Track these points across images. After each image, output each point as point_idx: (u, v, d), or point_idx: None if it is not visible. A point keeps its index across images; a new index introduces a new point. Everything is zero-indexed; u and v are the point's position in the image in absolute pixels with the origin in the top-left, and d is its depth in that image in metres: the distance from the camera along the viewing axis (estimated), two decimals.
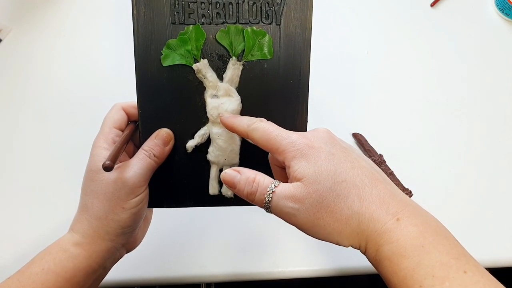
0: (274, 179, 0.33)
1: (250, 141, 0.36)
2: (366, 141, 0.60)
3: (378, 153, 0.59)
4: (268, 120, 0.35)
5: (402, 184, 0.58)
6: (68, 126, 0.60)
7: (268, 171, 0.35)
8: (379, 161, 0.58)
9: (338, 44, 0.65)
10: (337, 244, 0.32)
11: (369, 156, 0.59)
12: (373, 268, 0.53)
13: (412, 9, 0.67)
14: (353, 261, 0.54)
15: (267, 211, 0.33)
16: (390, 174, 0.58)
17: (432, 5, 0.67)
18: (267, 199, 0.32)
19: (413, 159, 0.60)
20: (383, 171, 0.57)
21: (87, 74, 0.62)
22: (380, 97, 0.63)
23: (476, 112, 0.63)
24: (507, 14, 0.66)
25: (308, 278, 0.54)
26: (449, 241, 0.29)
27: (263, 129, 0.33)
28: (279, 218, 0.58)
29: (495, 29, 0.67)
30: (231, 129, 0.36)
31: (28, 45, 0.63)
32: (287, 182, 0.33)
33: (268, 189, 0.32)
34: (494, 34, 0.67)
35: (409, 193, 0.57)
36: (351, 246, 0.32)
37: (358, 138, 0.60)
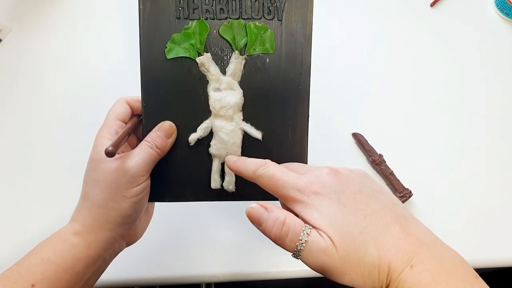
0: (304, 223, 0.31)
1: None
2: (366, 141, 0.60)
3: (378, 153, 0.59)
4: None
5: (402, 184, 0.58)
6: (69, 125, 0.60)
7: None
8: (379, 161, 0.58)
9: (338, 44, 0.65)
10: None
11: (369, 156, 0.59)
12: None
13: (412, 9, 0.67)
14: None
15: (294, 257, 0.31)
16: (390, 174, 0.58)
17: (432, 5, 0.68)
18: (299, 248, 0.30)
19: (413, 159, 0.60)
20: (383, 171, 0.58)
21: (87, 74, 0.62)
22: (380, 97, 0.63)
23: (476, 112, 0.63)
24: (507, 14, 0.66)
25: (308, 278, 0.54)
26: (464, 282, 0.29)
27: (268, 176, 0.33)
28: None
29: (495, 29, 0.67)
30: (237, 173, 0.37)
31: (28, 45, 0.63)
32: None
33: (300, 238, 0.30)
34: (494, 34, 0.67)
35: (409, 193, 0.57)
36: None
37: (358, 138, 0.60)
